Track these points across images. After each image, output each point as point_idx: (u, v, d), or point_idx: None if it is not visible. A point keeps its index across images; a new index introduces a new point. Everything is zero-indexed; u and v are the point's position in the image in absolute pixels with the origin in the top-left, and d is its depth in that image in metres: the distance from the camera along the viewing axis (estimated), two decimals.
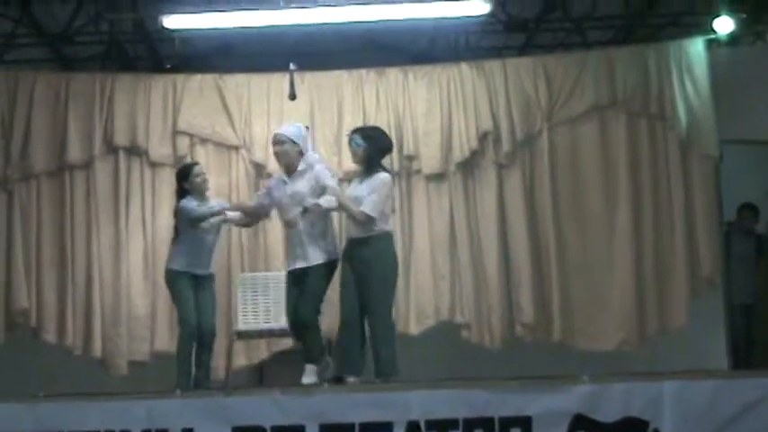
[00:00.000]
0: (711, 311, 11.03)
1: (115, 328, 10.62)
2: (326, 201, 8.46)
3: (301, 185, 8.64)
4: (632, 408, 7.40)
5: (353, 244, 8.65)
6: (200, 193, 9.52)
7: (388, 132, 10.72)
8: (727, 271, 11.13)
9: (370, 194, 8.53)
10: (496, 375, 8.98)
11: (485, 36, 12.03)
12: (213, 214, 9.37)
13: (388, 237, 8.66)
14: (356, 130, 8.96)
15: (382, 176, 8.64)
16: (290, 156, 8.76)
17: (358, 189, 8.67)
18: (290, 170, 8.77)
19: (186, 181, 9.55)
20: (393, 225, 9.06)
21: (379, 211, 8.51)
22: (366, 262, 8.53)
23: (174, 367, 9.28)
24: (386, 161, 9.15)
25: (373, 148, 8.74)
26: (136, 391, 8.52)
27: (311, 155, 8.85)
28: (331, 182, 8.69)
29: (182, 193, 9.56)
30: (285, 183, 8.77)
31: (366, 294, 8.51)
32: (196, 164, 9.87)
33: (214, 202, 9.62)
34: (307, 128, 9.12)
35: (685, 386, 7.44)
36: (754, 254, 11.77)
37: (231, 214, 9.40)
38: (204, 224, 9.35)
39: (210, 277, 9.57)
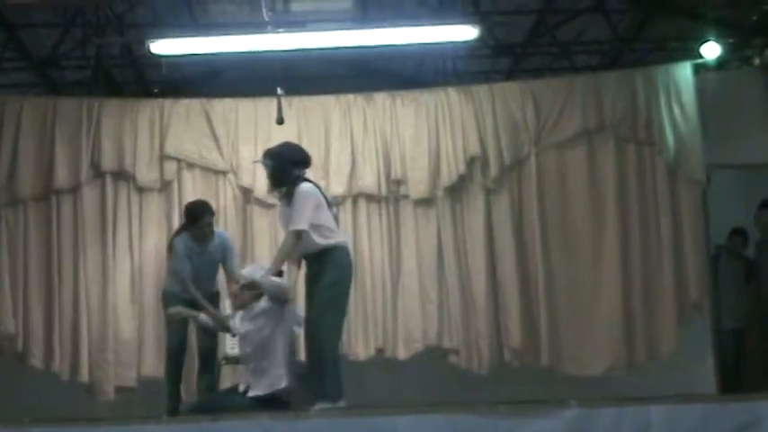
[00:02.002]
0: (700, 336, 11.01)
1: (102, 353, 10.56)
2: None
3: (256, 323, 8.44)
4: None
5: (306, 261, 8.35)
6: (200, 241, 9.46)
7: (375, 157, 10.79)
8: (715, 295, 11.13)
9: (294, 211, 8.18)
10: (485, 400, 8.97)
11: (472, 61, 12.05)
12: (189, 300, 9.23)
13: (338, 249, 8.25)
14: (264, 153, 8.63)
15: (300, 188, 8.22)
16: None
17: (285, 211, 8.31)
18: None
19: (193, 223, 9.46)
20: (343, 236, 8.57)
21: (308, 223, 8.11)
22: (315, 274, 8.20)
23: (160, 393, 9.23)
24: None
25: (280, 163, 8.36)
26: (122, 417, 8.49)
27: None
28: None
29: (185, 226, 9.53)
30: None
31: (311, 306, 8.18)
32: (210, 213, 9.63)
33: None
34: None
35: (673, 411, 7.41)
36: (742, 278, 11.74)
37: (203, 317, 9.12)
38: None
39: (210, 297, 9.42)
